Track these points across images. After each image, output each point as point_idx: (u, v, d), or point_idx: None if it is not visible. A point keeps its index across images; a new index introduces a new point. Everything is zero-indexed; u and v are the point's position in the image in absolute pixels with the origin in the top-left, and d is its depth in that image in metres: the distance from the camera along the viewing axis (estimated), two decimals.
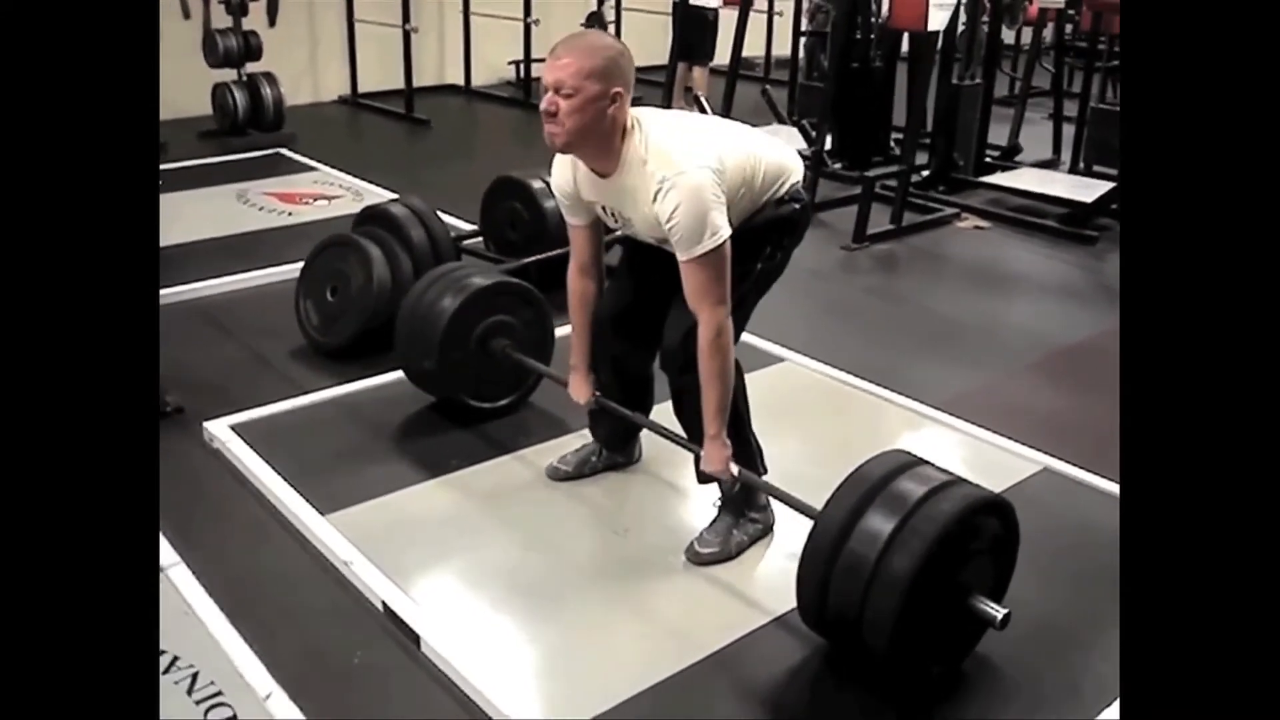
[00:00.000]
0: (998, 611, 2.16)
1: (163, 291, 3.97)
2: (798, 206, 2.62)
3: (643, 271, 2.72)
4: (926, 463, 2.30)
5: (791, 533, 2.82)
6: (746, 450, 2.72)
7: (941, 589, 2.13)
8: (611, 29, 8.56)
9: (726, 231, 2.35)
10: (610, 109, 2.33)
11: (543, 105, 2.33)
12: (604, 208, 2.55)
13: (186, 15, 7.54)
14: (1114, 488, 3.05)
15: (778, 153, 2.59)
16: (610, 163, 2.41)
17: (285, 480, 2.95)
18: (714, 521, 2.75)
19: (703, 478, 2.72)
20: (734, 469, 2.56)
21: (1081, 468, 3.16)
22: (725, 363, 2.44)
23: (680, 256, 2.37)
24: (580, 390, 2.88)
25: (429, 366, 3.19)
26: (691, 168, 2.32)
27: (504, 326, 3.23)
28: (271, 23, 7.96)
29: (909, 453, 2.37)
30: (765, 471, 2.77)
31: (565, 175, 2.57)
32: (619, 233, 2.64)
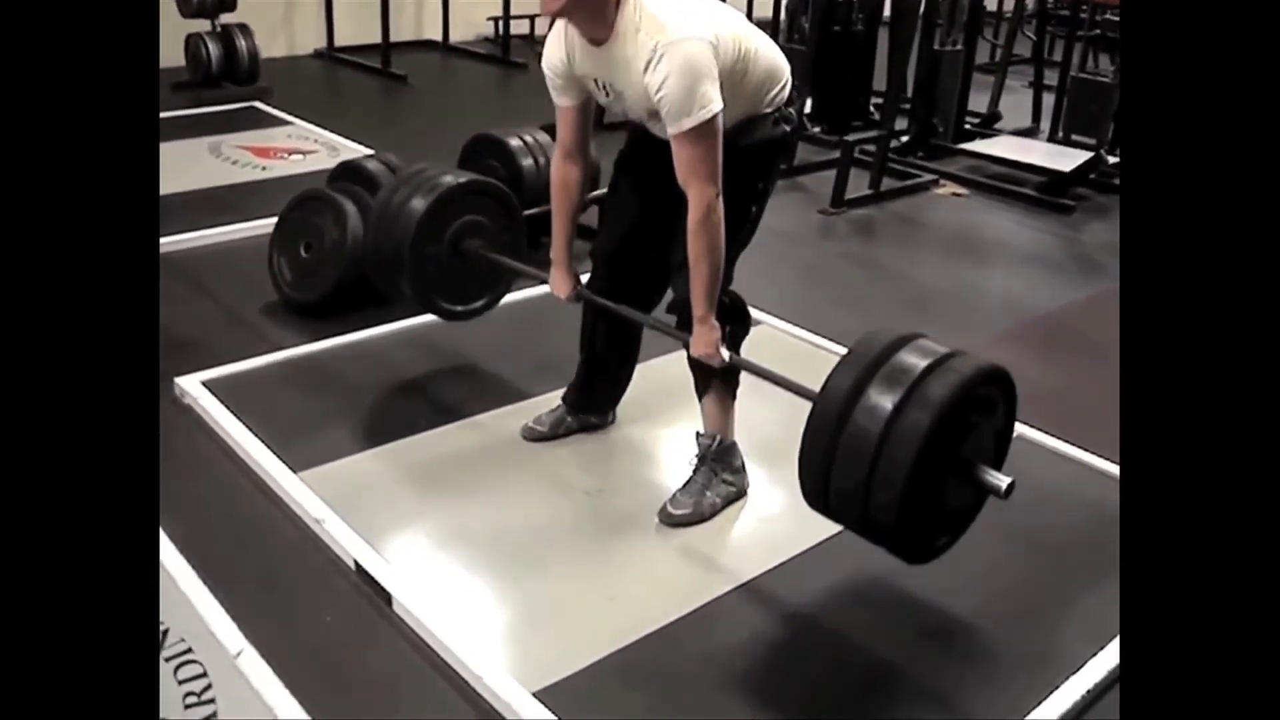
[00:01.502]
0: (1002, 480, 2.11)
1: None
2: (788, 129, 2.59)
3: (638, 208, 2.70)
4: (922, 335, 2.23)
5: (765, 495, 2.84)
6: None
7: (946, 461, 2.08)
8: None
9: (719, 104, 2.30)
10: None
11: None
12: (596, 80, 2.47)
13: None
14: (1090, 458, 3.07)
15: (771, 49, 2.55)
16: (604, 29, 2.34)
17: (257, 437, 2.93)
18: (687, 483, 2.75)
19: (694, 364, 2.63)
20: (725, 353, 2.51)
21: (1054, 435, 3.18)
22: (715, 241, 2.39)
23: (670, 130, 2.32)
24: (561, 284, 2.80)
25: (401, 267, 3.04)
26: (685, 37, 2.28)
27: (477, 227, 3.10)
28: None
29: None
30: (745, 475, 2.77)
31: (557, 49, 2.51)
32: (613, 112, 2.57)
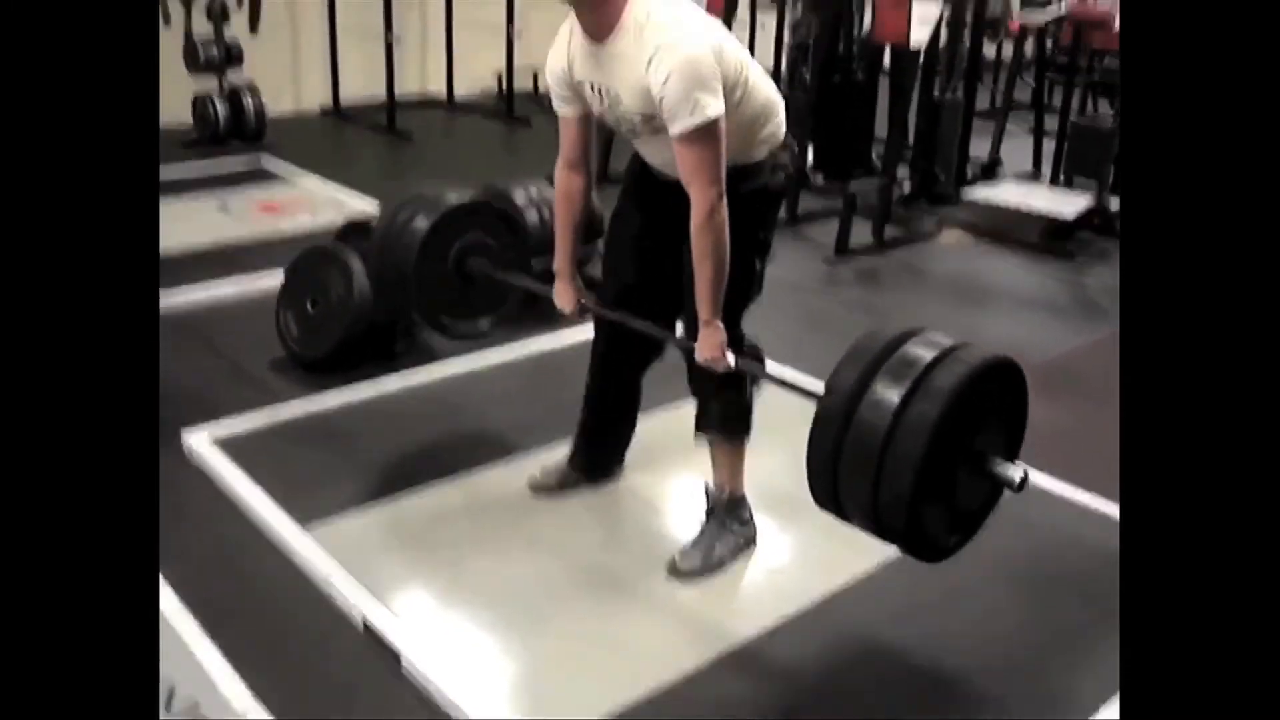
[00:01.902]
0: (1015, 472, 2.07)
1: None
2: (784, 177, 2.60)
3: (642, 256, 2.71)
4: (925, 329, 2.18)
5: (774, 546, 2.83)
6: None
7: (956, 453, 2.04)
8: None
9: (721, 109, 2.29)
10: None
11: None
12: (593, 85, 2.45)
13: (166, 21, 7.52)
14: (1094, 501, 3.06)
15: (768, 85, 2.54)
16: (607, 24, 2.33)
17: (265, 492, 2.93)
18: (696, 536, 2.75)
19: (697, 370, 2.59)
20: (730, 358, 2.47)
21: (1062, 480, 3.17)
22: (719, 241, 2.36)
23: (672, 131, 2.31)
24: (565, 297, 2.77)
25: (406, 286, 3.00)
26: (690, 40, 2.27)
27: (481, 245, 3.06)
28: (253, 30, 7.93)
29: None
30: (754, 529, 2.77)
31: (559, 57, 2.51)
32: (607, 121, 2.53)
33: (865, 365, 2.06)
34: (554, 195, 2.75)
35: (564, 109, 2.60)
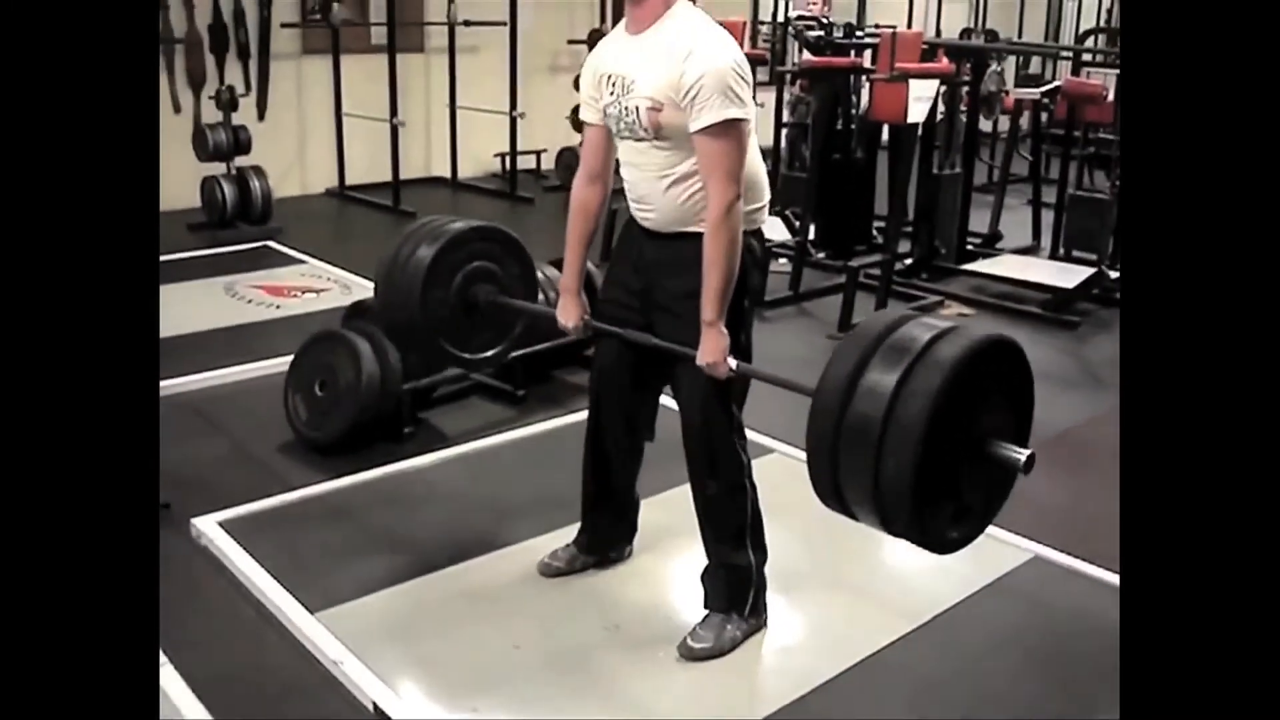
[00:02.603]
0: (1020, 453, 2.03)
1: None
2: (758, 245, 2.65)
3: (630, 370, 2.73)
4: (922, 312, 2.17)
5: (786, 625, 2.82)
6: (741, 569, 2.69)
7: (958, 436, 2.01)
8: None
9: (747, 114, 2.38)
10: None
11: None
12: (610, 77, 2.52)
13: (177, 109, 7.66)
14: (1105, 575, 3.05)
15: (760, 163, 2.60)
16: (653, 15, 2.44)
17: (274, 577, 2.92)
18: (707, 616, 2.73)
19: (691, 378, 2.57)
20: (731, 362, 2.47)
21: (1072, 555, 3.16)
22: (733, 240, 2.41)
23: (695, 125, 2.37)
24: (569, 312, 2.78)
25: (410, 317, 2.97)
26: (732, 53, 2.39)
27: (486, 273, 3.03)
28: (261, 116, 8.08)
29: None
30: (764, 606, 2.75)
31: (598, 53, 2.61)
32: (608, 120, 2.57)
33: (860, 352, 2.05)
34: (570, 206, 2.77)
35: (590, 115, 2.66)
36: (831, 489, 2.10)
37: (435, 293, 2.93)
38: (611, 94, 2.52)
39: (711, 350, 2.46)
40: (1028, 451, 2.04)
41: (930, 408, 1.94)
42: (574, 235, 2.76)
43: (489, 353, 3.15)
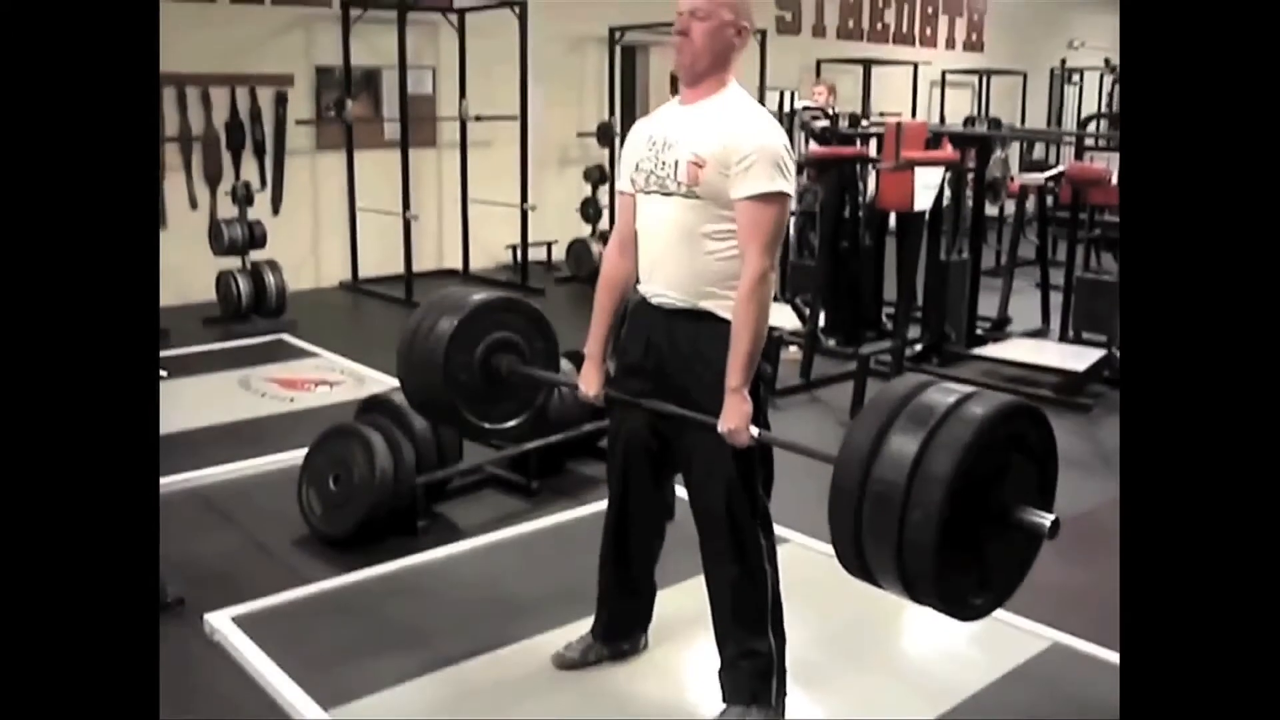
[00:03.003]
0: (1045, 518, 2.01)
1: (164, 479, 3.97)
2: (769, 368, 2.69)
3: (654, 440, 2.73)
4: (944, 378, 2.18)
5: (805, 717, 2.78)
6: (762, 656, 2.66)
7: (980, 502, 1.98)
8: (605, 214, 8.81)
9: (791, 190, 2.45)
10: (735, 38, 2.51)
11: (677, 27, 2.49)
12: (651, 138, 2.58)
13: (194, 205, 7.79)
14: None
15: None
16: (707, 89, 2.52)
17: (287, 674, 2.90)
18: (726, 709, 2.70)
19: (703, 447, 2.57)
20: (754, 430, 2.46)
21: (1091, 641, 3.13)
22: (763, 309, 2.44)
23: (744, 191, 2.41)
24: (590, 380, 2.77)
25: (433, 390, 2.96)
26: (779, 134, 2.47)
27: (508, 344, 3.02)
28: (275, 211, 8.21)
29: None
30: (784, 694, 2.71)
31: (645, 120, 2.67)
32: (638, 178, 2.60)
33: (882, 417, 2.06)
34: (600, 274, 2.80)
35: (626, 183, 2.69)
36: (854, 554, 2.10)
37: (458, 359, 2.92)
38: (651, 149, 2.57)
39: (734, 415, 2.45)
40: (1052, 517, 2.03)
41: (954, 470, 1.94)
42: (601, 305, 2.78)
43: (510, 423, 3.13)
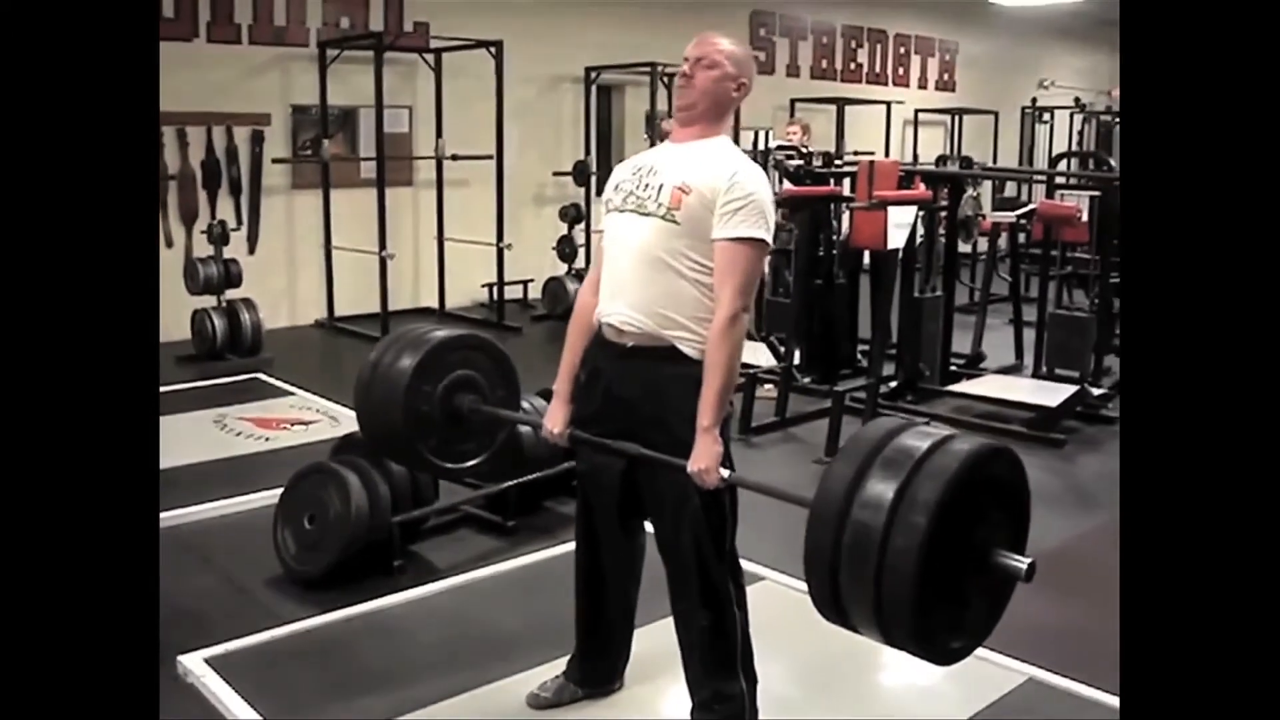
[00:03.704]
0: (1021, 562, 2.02)
1: None
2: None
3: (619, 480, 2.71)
4: (919, 414, 2.19)
5: None
6: (734, 699, 2.65)
7: (958, 548, 1.99)
8: (581, 253, 8.84)
9: (770, 240, 2.49)
10: (734, 92, 2.58)
11: (682, 69, 2.55)
12: (640, 167, 2.61)
13: (169, 244, 7.78)
14: (1101, 696, 3.03)
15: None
16: (700, 132, 2.57)
17: (262, 716, 2.88)
18: None
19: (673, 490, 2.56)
20: (724, 472, 2.44)
21: (1067, 677, 3.14)
22: (735, 350, 2.45)
23: (727, 232, 2.44)
24: (556, 417, 2.75)
25: (393, 429, 2.95)
26: (767, 186, 2.52)
27: (469, 383, 3.00)
28: (251, 250, 8.21)
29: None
30: None
31: (637, 156, 2.69)
32: (614, 201, 2.63)
33: (858, 462, 2.06)
34: (573, 310, 2.81)
35: (603, 210, 2.70)
36: (830, 600, 2.10)
37: (418, 397, 2.91)
38: (636, 174, 2.60)
39: (705, 455, 2.43)
40: (1028, 560, 2.05)
41: (932, 517, 1.94)
42: (572, 342, 2.76)
43: (470, 462, 3.12)
